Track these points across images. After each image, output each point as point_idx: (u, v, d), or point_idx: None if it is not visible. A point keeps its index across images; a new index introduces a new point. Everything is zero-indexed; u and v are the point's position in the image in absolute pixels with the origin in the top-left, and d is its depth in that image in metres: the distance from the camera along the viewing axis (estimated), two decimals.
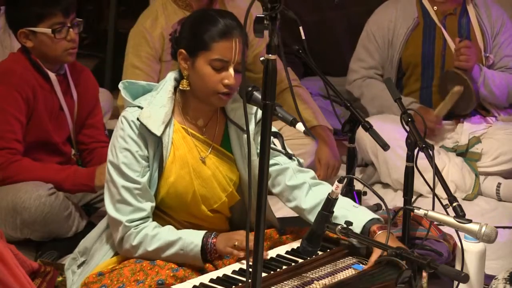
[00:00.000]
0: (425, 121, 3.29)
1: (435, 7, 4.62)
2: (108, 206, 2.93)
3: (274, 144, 3.03)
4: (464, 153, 4.52)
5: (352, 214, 2.87)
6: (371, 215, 2.92)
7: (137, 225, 2.90)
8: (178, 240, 2.89)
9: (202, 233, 2.91)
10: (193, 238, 2.89)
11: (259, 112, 3.02)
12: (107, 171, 2.95)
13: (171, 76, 3.01)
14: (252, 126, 3.02)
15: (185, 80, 2.94)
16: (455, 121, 4.62)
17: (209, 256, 2.89)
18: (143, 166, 2.92)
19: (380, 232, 2.84)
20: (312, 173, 3.08)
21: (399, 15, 4.64)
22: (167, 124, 2.93)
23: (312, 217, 2.97)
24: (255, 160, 2.92)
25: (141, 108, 2.92)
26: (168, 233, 2.91)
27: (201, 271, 2.88)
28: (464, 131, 4.56)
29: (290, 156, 3.05)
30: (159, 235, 2.90)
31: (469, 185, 4.43)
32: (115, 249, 3.00)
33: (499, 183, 4.43)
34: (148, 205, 2.93)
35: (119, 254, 3.00)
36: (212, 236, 2.90)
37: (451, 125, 4.62)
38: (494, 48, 4.63)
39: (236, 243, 2.86)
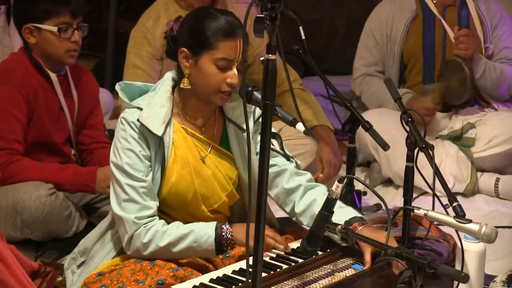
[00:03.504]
0: (424, 121, 3.30)
1: (434, 0, 4.65)
2: (114, 206, 2.92)
3: (273, 145, 3.03)
4: (459, 137, 4.53)
5: (336, 214, 2.86)
6: (354, 214, 2.94)
7: (146, 223, 2.89)
8: (190, 233, 2.88)
9: (213, 224, 2.91)
10: (206, 230, 2.89)
11: (258, 111, 3.02)
12: (111, 172, 2.94)
13: (169, 76, 3.01)
14: (250, 125, 3.02)
15: (186, 79, 2.94)
16: (454, 112, 4.65)
17: (225, 246, 2.88)
18: (146, 166, 2.92)
19: (361, 227, 2.84)
20: (308, 175, 3.08)
21: (397, 9, 4.69)
22: (167, 124, 2.93)
23: (303, 219, 3.00)
24: (254, 158, 2.92)
25: (140, 109, 2.92)
26: (178, 227, 2.91)
27: (201, 271, 2.89)
28: (459, 118, 4.59)
29: (288, 158, 3.05)
30: (169, 230, 2.89)
31: (466, 175, 4.44)
32: (116, 250, 3.00)
33: (498, 178, 4.44)
34: (154, 204, 2.92)
35: (120, 256, 2.99)
36: (227, 226, 2.89)
37: (447, 117, 4.64)
38: (493, 40, 4.68)
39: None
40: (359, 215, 2.95)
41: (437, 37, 4.63)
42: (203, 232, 2.88)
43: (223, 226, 2.90)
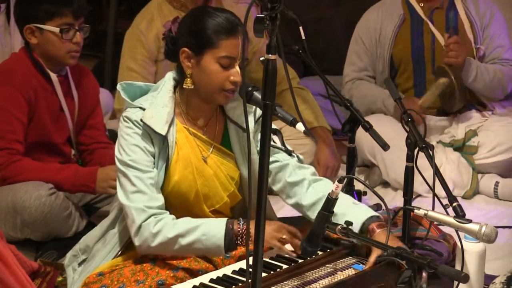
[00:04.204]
0: (426, 123, 3.30)
1: (421, 4, 4.64)
2: (122, 199, 2.89)
3: (274, 141, 3.03)
4: (461, 147, 4.53)
5: (351, 212, 2.86)
6: (370, 212, 2.92)
7: (155, 214, 2.86)
8: (200, 225, 2.85)
9: (224, 219, 2.89)
10: (216, 224, 2.86)
11: (258, 110, 3.02)
12: (117, 169, 2.94)
13: (170, 76, 3.01)
14: (251, 124, 3.02)
15: (189, 79, 2.94)
16: (452, 116, 4.64)
17: (239, 241, 2.84)
18: (151, 161, 2.91)
19: (379, 230, 2.83)
20: (312, 169, 3.08)
21: (385, 15, 4.68)
22: (170, 124, 2.93)
23: (311, 214, 2.98)
24: (255, 158, 2.92)
25: (143, 109, 2.92)
26: (188, 220, 2.88)
27: (201, 271, 2.88)
28: (460, 125, 4.58)
29: (289, 153, 3.05)
30: (179, 223, 2.86)
31: (467, 181, 4.44)
32: (117, 250, 2.99)
33: (497, 182, 4.44)
34: (161, 197, 2.91)
35: (120, 256, 2.99)
36: (242, 221, 2.85)
37: (447, 121, 4.63)
38: (485, 40, 4.65)
39: (284, 236, 2.85)
40: (376, 214, 2.92)
41: (426, 41, 4.61)
42: (214, 225, 2.86)
43: (238, 221, 2.86)
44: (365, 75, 4.75)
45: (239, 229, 2.84)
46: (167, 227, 2.85)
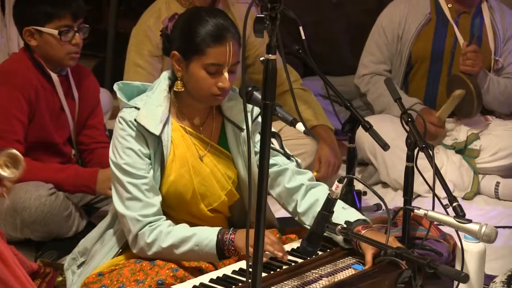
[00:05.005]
0: (425, 123, 3.29)
1: (449, 5, 4.62)
2: (117, 205, 2.91)
3: (272, 144, 3.02)
4: (463, 150, 4.52)
5: (340, 216, 2.85)
6: (358, 216, 2.91)
7: (151, 222, 2.88)
8: (193, 236, 2.86)
9: (217, 228, 2.90)
10: (208, 234, 2.87)
11: (256, 110, 3.02)
12: (111, 172, 2.94)
13: (165, 76, 3.01)
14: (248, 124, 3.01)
15: (179, 82, 2.95)
16: (456, 118, 4.63)
17: (226, 253, 2.86)
18: (147, 164, 2.91)
19: (364, 231, 2.82)
20: (310, 174, 3.07)
21: (411, 11, 4.63)
22: (165, 123, 2.93)
23: (305, 219, 2.98)
24: (253, 158, 2.92)
25: (138, 108, 2.92)
26: (182, 229, 2.89)
27: (201, 271, 2.89)
28: (463, 128, 4.57)
29: (288, 157, 3.05)
30: (173, 232, 2.88)
31: (468, 183, 4.43)
32: (116, 249, 3.00)
33: (498, 182, 4.44)
34: (157, 200, 2.91)
35: (120, 255, 3.00)
36: (230, 232, 2.86)
37: (451, 123, 4.62)
38: (504, 53, 4.63)
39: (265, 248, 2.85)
40: (363, 217, 2.92)
41: (448, 43, 4.58)
42: (205, 235, 2.87)
43: (227, 231, 2.88)
44: (383, 70, 4.70)
45: (226, 239, 2.85)
46: (161, 237, 2.87)
